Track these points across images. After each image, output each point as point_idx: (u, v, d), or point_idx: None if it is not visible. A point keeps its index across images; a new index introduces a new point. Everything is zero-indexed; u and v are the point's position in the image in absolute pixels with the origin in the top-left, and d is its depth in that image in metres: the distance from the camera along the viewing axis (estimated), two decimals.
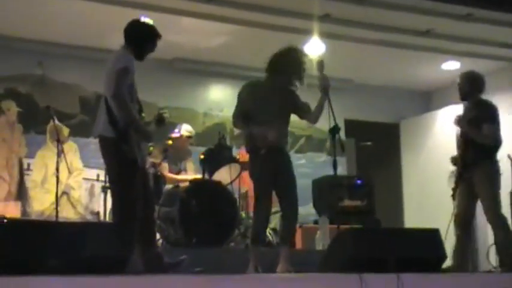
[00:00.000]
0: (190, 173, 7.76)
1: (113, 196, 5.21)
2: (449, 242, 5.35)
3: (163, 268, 5.00)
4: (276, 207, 6.10)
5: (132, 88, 5.02)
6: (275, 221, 7.28)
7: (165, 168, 7.52)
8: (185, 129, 7.85)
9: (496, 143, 6.22)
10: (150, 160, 6.65)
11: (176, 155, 7.76)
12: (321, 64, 5.67)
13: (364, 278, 4.14)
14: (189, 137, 7.88)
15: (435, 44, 8.91)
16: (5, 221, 6.15)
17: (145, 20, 5.40)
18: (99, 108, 5.08)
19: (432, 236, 5.00)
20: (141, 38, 5.19)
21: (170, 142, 7.61)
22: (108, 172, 5.32)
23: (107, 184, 7.16)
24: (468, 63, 9.51)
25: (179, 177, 7.62)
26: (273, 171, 5.52)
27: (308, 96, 5.70)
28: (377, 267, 4.33)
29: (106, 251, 4.05)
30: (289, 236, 5.70)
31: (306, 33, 8.09)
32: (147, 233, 5.11)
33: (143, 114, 5.24)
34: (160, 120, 5.40)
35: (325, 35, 8.18)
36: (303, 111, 5.73)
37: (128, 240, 4.62)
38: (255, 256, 5.49)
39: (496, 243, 6.27)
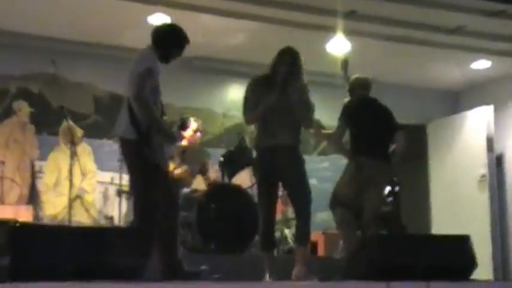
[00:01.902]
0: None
1: (133, 200, 5.14)
2: (480, 249, 5.05)
3: (183, 277, 4.87)
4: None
5: (155, 90, 4.96)
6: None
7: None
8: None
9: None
10: None
11: (192, 156, 7.49)
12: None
13: (392, 286, 4.06)
14: (193, 131, 7.53)
15: (465, 42, 8.68)
16: (17, 225, 5.95)
17: (173, 23, 5.27)
18: (122, 109, 5.00)
19: (462, 243, 4.81)
20: (169, 41, 5.10)
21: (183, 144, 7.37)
22: (129, 175, 5.23)
23: (122, 187, 6.99)
24: (499, 63, 9.28)
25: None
26: (276, 171, 5.21)
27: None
28: (404, 274, 4.23)
29: (122, 257, 3.93)
30: (304, 237, 5.38)
31: (330, 30, 7.90)
32: (168, 240, 4.96)
33: (165, 117, 5.14)
34: (183, 124, 5.39)
35: (350, 33, 7.96)
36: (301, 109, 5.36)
37: (146, 247, 4.63)
38: (268, 264, 5.22)
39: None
